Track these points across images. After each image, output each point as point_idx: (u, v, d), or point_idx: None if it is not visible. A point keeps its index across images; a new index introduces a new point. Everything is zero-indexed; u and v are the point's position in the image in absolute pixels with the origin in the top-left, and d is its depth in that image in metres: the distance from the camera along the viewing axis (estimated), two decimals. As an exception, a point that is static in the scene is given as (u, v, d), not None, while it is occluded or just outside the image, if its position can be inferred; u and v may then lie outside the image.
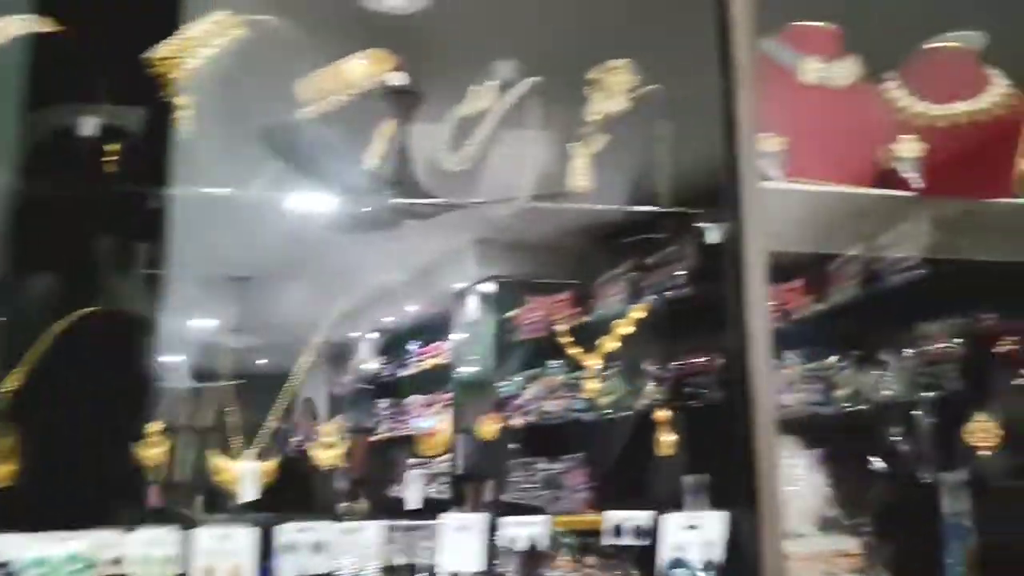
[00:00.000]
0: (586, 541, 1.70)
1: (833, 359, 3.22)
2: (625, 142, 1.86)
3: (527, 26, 1.94)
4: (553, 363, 4.31)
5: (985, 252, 1.99)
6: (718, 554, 1.62)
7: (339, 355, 6.11)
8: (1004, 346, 1.98)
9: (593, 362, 1.91)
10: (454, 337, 5.05)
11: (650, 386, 1.84)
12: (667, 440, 1.67)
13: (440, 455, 1.94)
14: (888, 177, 1.83)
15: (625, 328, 1.91)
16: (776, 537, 1.55)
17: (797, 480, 2.12)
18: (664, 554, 1.62)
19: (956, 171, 1.88)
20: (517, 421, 4.38)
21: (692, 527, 1.63)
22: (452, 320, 5.06)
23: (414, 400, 5.60)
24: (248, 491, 1.51)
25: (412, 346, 5.78)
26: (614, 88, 1.86)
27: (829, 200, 1.75)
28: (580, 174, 1.75)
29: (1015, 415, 1.99)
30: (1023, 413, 1.97)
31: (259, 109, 1.63)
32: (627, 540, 1.60)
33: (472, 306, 4.89)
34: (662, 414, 1.72)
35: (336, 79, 1.73)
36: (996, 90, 1.92)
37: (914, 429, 2.32)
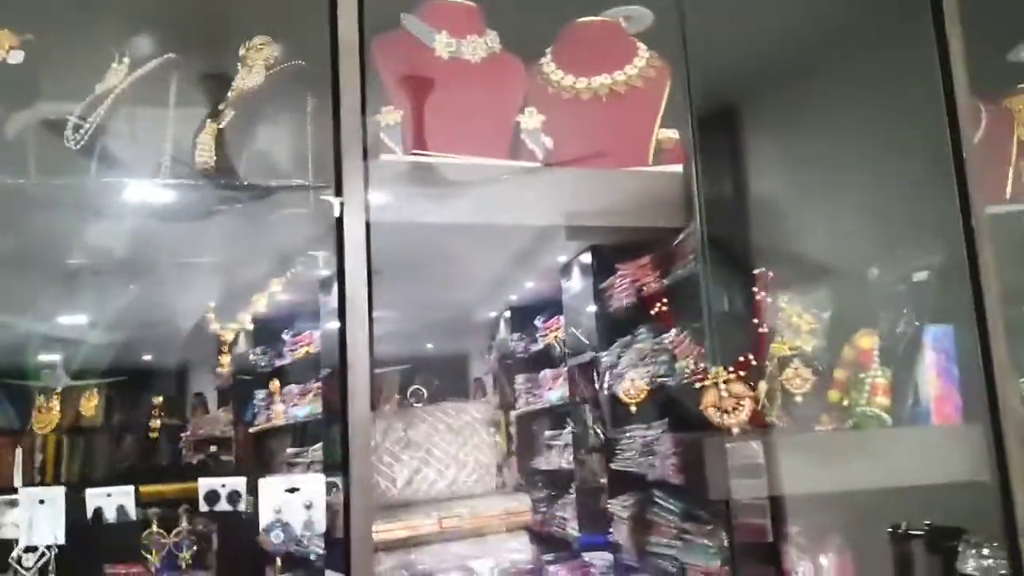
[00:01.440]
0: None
1: (673, 332, 3.29)
2: (268, 117, 1.90)
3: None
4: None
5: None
6: (318, 516, 1.67)
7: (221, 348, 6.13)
8: (658, 307, 2.05)
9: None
10: (324, 325, 5.07)
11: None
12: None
13: (53, 430, 1.97)
14: (519, 148, 1.87)
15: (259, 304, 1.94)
16: (366, 499, 1.59)
17: (476, 446, 2.18)
18: (265, 516, 1.66)
19: (596, 141, 1.93)
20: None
21: (292, 490, 1.67)
22: (321, 308, 5.09)
23: (290, 390, 5.62)
24: None
25: (287, 335, 5.80)
26: (257, 64, 1.89)
27: (450, 172, 1.79)
28: (204, 149, 1.78)
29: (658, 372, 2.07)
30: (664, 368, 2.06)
31: None
32: (224, 506, 1.63)
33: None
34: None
35: (-46, 59, 1.75)
36: (639, 62, 1.97)
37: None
